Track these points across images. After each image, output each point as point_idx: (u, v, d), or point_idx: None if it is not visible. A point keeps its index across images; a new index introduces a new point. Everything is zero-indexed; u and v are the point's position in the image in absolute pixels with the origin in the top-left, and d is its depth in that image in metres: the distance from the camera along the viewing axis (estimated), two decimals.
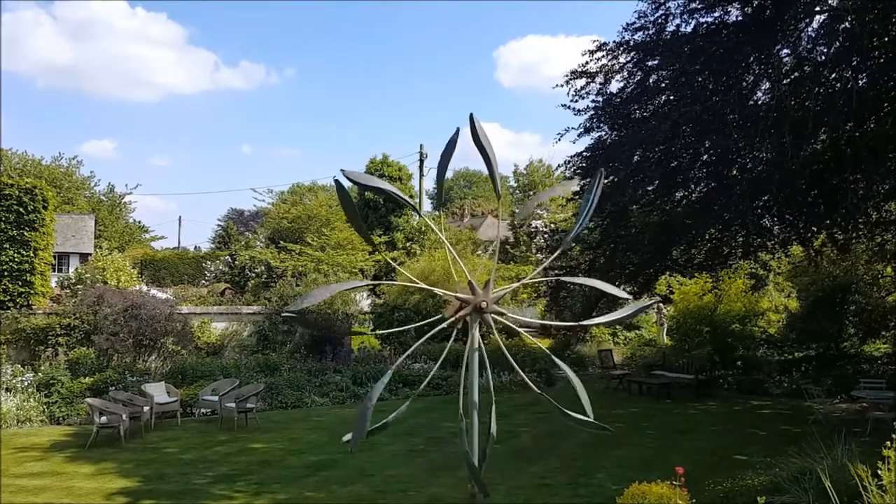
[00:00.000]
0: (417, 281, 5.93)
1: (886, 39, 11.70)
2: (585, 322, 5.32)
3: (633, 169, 14.83)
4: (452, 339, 5.12)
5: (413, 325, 5.62)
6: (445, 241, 5.12)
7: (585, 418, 4.81)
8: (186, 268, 36.65)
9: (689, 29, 14.26)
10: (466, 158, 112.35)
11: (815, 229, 16.73)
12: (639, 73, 15.14)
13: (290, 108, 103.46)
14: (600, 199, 17.33)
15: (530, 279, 6.56)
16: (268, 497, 9.83)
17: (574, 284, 22.42)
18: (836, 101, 11.33)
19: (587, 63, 15.52)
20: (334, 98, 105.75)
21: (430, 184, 61.28)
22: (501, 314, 5.09)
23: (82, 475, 10.98)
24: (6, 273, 19.17)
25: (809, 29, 13.31)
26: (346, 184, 4.52)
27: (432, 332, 4.99)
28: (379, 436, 13.64)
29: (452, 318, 4.88)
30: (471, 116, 4.42)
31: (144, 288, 22.68)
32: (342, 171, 4.20)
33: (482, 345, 4.91)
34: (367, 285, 5.96)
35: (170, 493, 10.04)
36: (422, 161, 40.70)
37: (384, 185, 4.61)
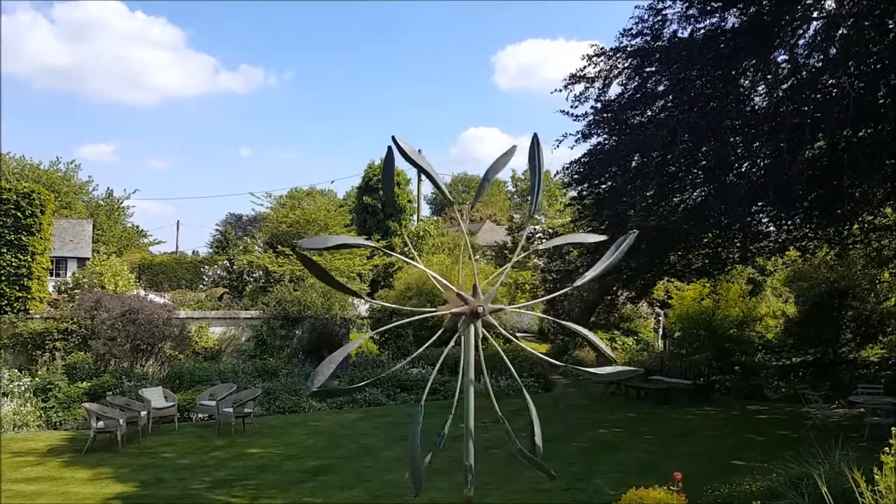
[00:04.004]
0: (433, 274, 5.86)
1: (883, 45, 11.75)
2: (577, 283, 5.29)
3: (631, 174, 14.86)
4: (452, 343, 5.11)
5: (406, 321, 5.62)
6: (433, 274, 5.13)
7: (534, 457, 4.96)
8: (184, 272, 36.57)
9: (686, 34, 14.32)
10: (465, 164, 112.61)
11: (811, 235, 16.80)
12: (637, 78, 15.19)
13: (289, 111, 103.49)
14: (599, 204, 17.27)
15: (513, 264, 6.56)
16: (265, 502, 9.82)
17: (572, 287, 22.41)
18: (832, 107, 11.36)
19: (585, 67, 15.57)
20: (333, 101, 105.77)
21: (427, 188, 61.23)
22: (500, 309, 5.11)
23: (79, 480, 10.96)
24: (3, 277, 19.14)
25: (806, 35, 13.37)
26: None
27: (453, 340, 4.99)
28: (376, 441, 13.66)
29: (447, 311, 4.88)
30: (393, 139, 4.49)
31: (142, 292, 22.66)
32: (297, 248, 4.35)
33: (480, 350, 4.93)
34: (376, 248, 5.82)
35: (167, 498, 10.02)
36: None
37: (345, 239, 4.88)
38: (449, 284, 5.03)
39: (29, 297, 19.56)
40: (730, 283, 21.63)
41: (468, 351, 4.82)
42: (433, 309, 5.09)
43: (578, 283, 5.30)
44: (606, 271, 5.13)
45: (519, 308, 6.31)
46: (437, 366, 5.11)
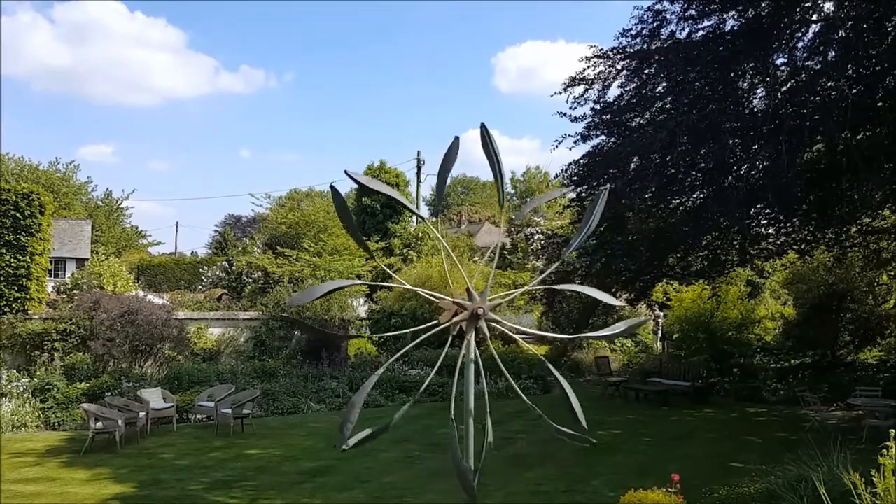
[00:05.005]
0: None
1: (881, 49, 11.77)
2: (566, 253, 5.45)
3: (630, 176, 14.87)
4: (448, 344, 5.13)
5: (410, 330, 5.62)
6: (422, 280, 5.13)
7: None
8: (183, 273, 36.57)
9: (684, 35, 14.35)
10: (464, 165, 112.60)
11: (810, 237, 16.82)
12: (636, 80, 15.20)
13: (289, 113, 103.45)
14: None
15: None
16: (264, 503, 9.81)
17: (571, 291, 22.41)
18: (831, 110, 11.39)
19: (585, 69, 15.59)
20: (333, 103, 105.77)
21: (427, 190, 61.32)
22: (497, 322, 5.10)
23: (77, 481, 10.95)
24: (2, 278, 19.13)
25: (805, 38, 13.40)
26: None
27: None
28: (375, 442, 13.62)
29: (448, 323, 4.89)
30: (346, 172, 4.64)
31: (141, 293, 22.66)
32: (289, 299, 4.27)
33: (478, 352, 4.93)
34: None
35: (165, 498, 10.02)
36: (419, 167, 40.81)
37: (336, 284, 4.86)
38: (442, 296, 5.05)
39: (28, 297, 19.54)
40: (729, 286, 21.65)
41: (469, 353, 4.81)
42: (435, 328, 5.08)
43: (567, 252, 5.43)
44: (590, 233, 5.28)
45: (516, 295, 6.30)
46: (455, 371, 5.07)
